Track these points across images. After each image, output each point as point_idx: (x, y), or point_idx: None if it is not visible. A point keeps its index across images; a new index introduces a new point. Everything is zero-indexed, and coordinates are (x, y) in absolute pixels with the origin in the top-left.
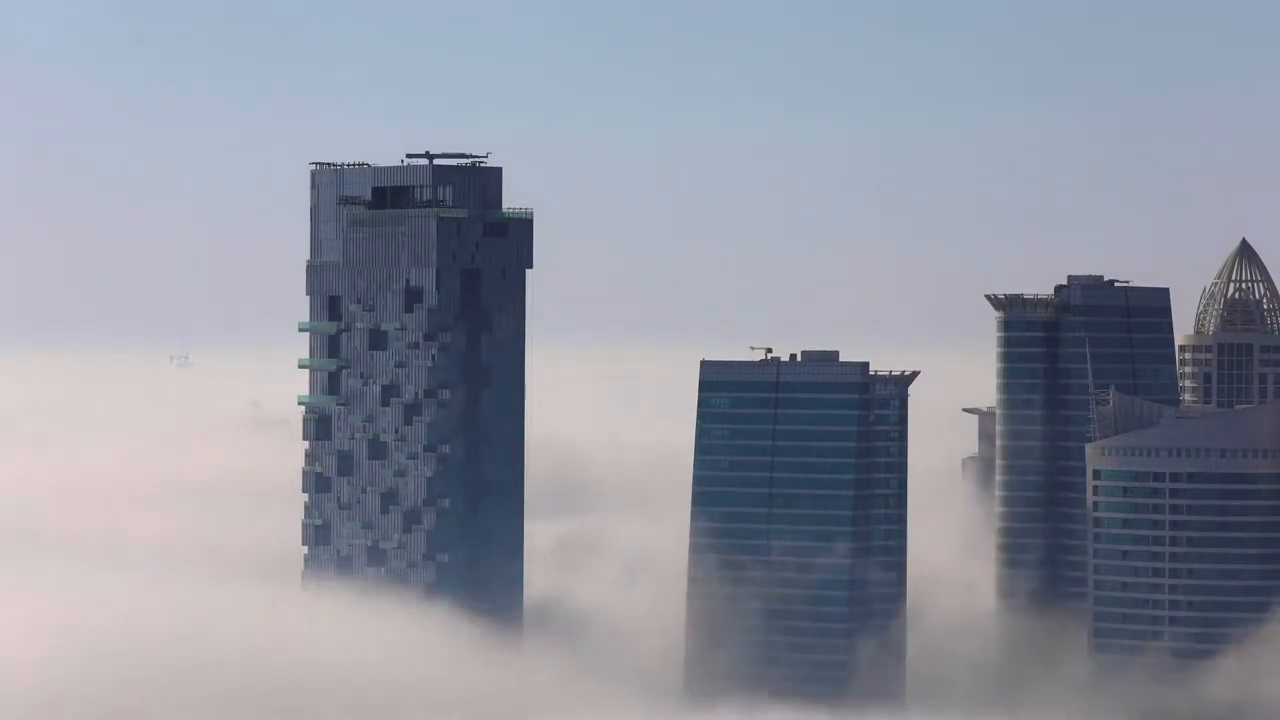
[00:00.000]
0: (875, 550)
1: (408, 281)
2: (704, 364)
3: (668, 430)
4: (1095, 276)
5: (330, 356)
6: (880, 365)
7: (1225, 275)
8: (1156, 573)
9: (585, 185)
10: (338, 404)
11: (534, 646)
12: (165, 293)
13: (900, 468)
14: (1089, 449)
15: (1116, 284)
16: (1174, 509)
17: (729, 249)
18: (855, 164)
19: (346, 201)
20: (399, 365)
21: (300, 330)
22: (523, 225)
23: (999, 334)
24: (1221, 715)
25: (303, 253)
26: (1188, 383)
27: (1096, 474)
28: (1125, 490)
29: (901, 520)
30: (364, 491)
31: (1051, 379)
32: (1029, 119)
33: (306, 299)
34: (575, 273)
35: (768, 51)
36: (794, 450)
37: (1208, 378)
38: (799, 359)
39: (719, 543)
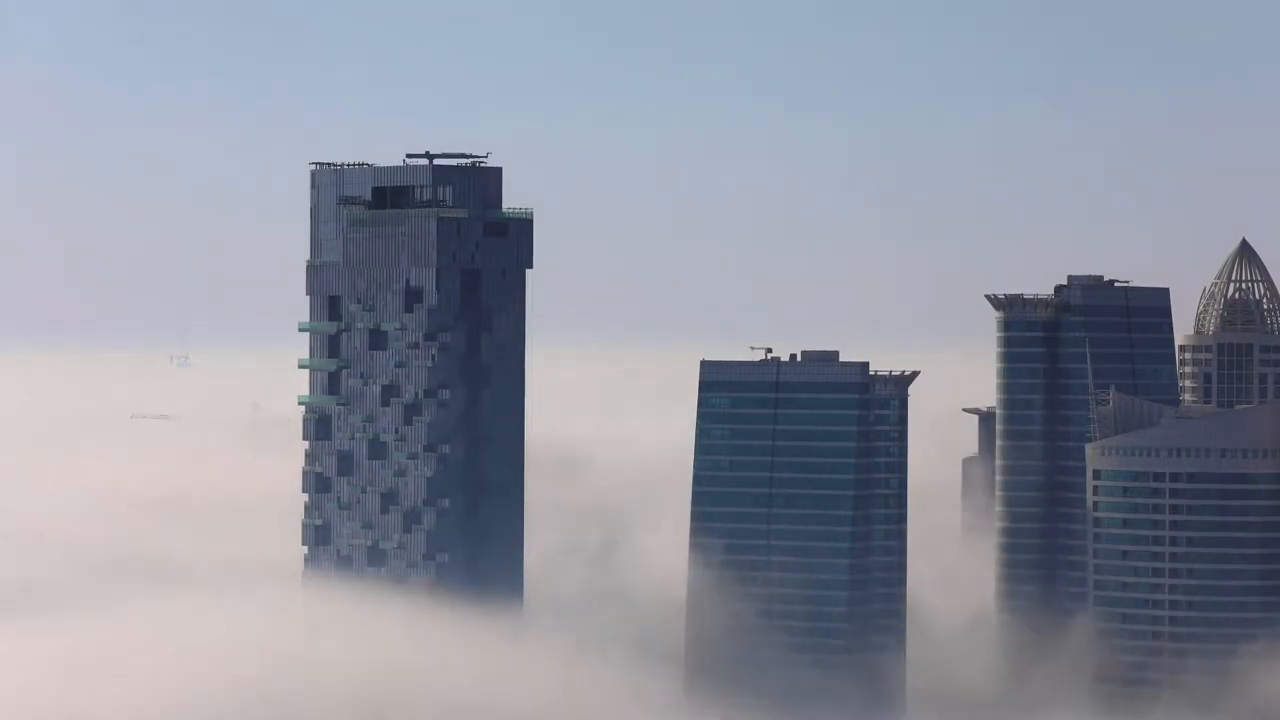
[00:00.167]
0: (875, 550)
1: (408, 281)
2: (704, 364)
3: (667, 430)
4: (1095, 276)
5: (330, 356)
6: (880, 365)
7: (1225, 275)
8: (1156, 573)
9: (585, 185)
10: (338, 404)
11: (534, 646)
12: (165, 293)
13: (900, 468)
14: (1089, 449)
15: (1116, 284)
16: (1174, 509)
17: (729, 249)
18: (855, 164)
19: (346, 201)
20: (399, 365)
21: (300, 330)
22: (523, 225)
23: (999, 334)
24: (1222, 715)
25: (303, 253)
26: (1188, 383)
27: (1096, 474)
28: (1125, 490)
29: (901, 520)
30: (364, 491)
31: (1051, 379)
32: (1029, 119)
33: (306, 299)
34: (575, 273)
35: (768, 51)
36: (794, 450)
37: (1208, 378)
38: (799, 359)
39: (719, 542)
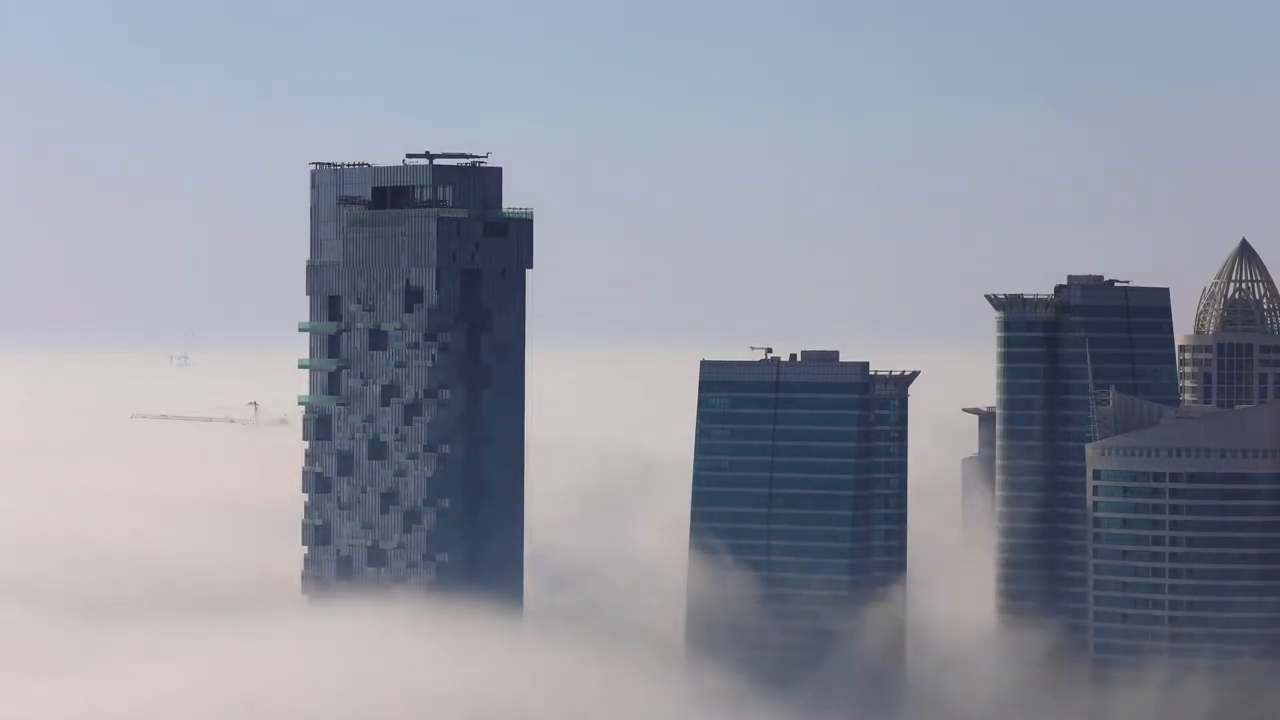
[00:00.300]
0: (875, 550)
1: (408, 281)
2: (704, 364)
3: (667, 430)
4: (1095, 276)
5: (330, 356)
6: (880, 365)
7: (1225, 275)
8: (1156, 573)
9: (585, 185)
10: (338, 404)
11: (534, 646)
12: (165, 293)
13: (900, 468)
14: (1089, 449)
15: (1116, 284)
16: (1174, 509)
17: (729, 249)
18: (855, 164)
19: (346, 201)
20: (399, 365)
21: (300, 330)
22: (523, 225)
23: (999, 334)
24: (1223, 715)
25: (303, 253)
26: (1188, 383)
27: (1096, 474)
28: (1125, 490)
29: (901, 520)
30: (364, 491)
31: (1051, 379)
32: (1029, 119)
33: (306, 299)
34: (575, 273)
35: (768, 51)
36: (794, 450)
37: (1208, 378)
38: (799, 359)
39: (719, 543)
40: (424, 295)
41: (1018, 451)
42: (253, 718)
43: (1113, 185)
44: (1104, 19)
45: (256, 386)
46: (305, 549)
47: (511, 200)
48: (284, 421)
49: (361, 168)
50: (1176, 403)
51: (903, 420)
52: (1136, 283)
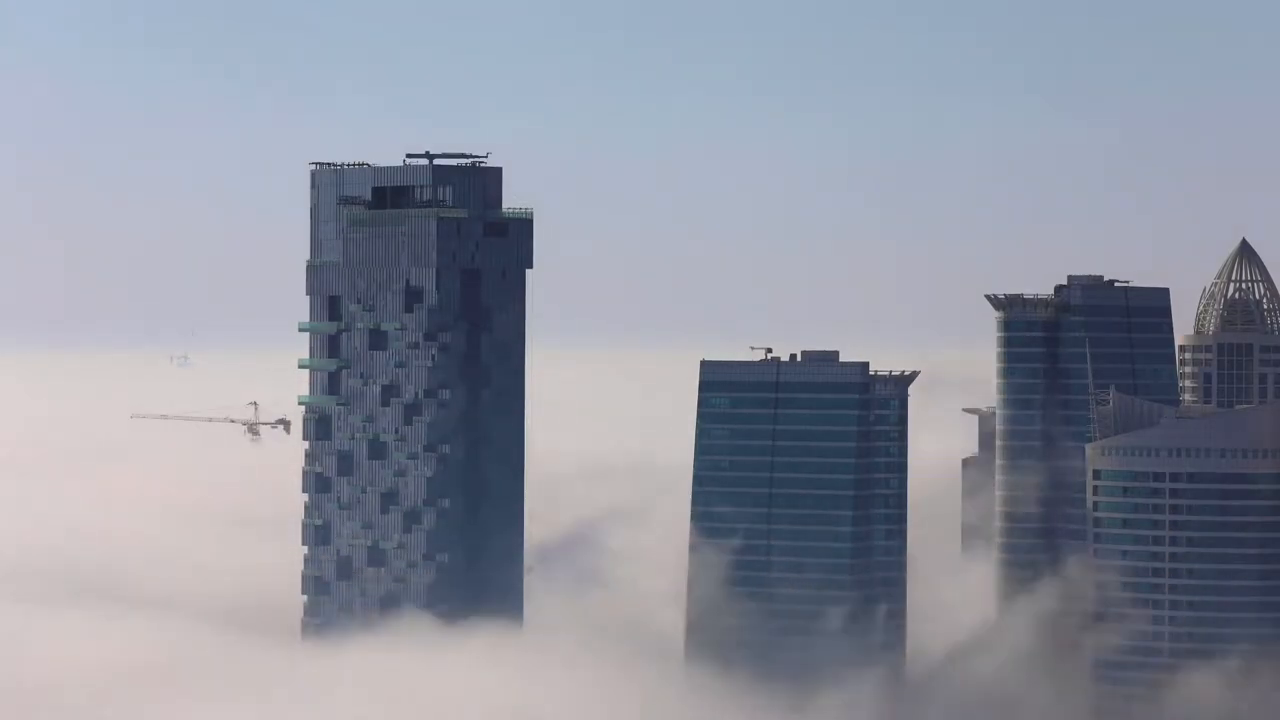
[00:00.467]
0: (875, 550)
1: (408, 281)
2: (704, 364)
3: (667, 430)
4: (1095, 276)
5: (330, 356)
6: (880, 365)
7: (1225, 275)
8: (1156, 573)
9: (585, 185)
10: (338, 404)
11: (534, 646)
12: (165, 293)
13: (900, 468)
14: (1089, 449)
15: (1116, 284)
16: (1174, 509)
17: (729, 249)
18: (855, 164)
19: (346, 201)
20: (399, 365)
21: (300, 330)
22: (523, 225)
23: (999, 334)
24: (1223, 715)
25: (303, 253)
26: (1188, 383)
27: (1096, 474)
28: (1125, 490)
29: (901, 520)
30: (364, 491)
31: (1051, 379)
32: (1029, 119)
33: (306, 299)
34: (575, 273)
35: (768, 51)
36: (794, 450)
37: (1208, 378)
38: (799, 359)
39: (719, 543)
40: (424, 295)
41: (1018, 451)
42: None
43: (1113, 185)
44: (1104, 19)
45: (256, 386)
46: (305, 549)
47: (511, 200)
48: (282, 422)
49: (361, 168)
50: (1176, 403)
51: (903, 420)
52: (1136, 283)
